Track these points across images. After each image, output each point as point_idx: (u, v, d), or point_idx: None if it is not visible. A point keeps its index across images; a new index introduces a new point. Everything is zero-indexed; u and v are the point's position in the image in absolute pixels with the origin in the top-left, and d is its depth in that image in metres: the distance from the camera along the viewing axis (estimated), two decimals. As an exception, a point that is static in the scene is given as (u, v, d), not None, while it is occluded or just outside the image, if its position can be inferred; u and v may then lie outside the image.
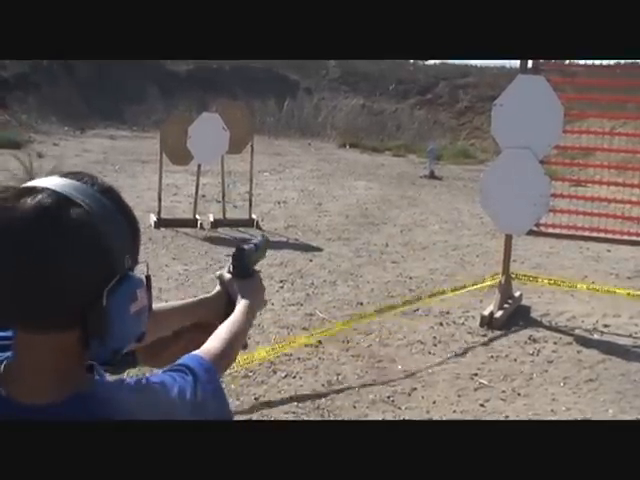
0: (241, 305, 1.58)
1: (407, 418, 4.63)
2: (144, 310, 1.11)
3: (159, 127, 11.51)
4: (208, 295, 1.65)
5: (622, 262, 8.91)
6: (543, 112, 6.27)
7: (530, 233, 7.05)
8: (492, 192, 6.59)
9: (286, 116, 23.70)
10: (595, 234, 7.18)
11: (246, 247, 1.68)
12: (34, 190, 1.03)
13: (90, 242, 1.02)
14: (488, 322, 6.36)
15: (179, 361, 1.27)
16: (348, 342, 5.87)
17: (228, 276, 1.66)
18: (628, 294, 6.82)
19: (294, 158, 18.14)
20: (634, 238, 7.15)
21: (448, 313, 6.67)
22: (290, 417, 4.58)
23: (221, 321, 1.54)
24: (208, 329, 1.55)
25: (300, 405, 4.76)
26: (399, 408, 4.78)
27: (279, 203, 12.08)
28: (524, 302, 7.05)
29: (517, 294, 6.99)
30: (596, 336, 6.36)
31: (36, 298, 1.00)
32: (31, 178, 1.09)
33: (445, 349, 5.88)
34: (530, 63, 6.64)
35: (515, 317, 6.65)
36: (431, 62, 27.40)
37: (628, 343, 6.20)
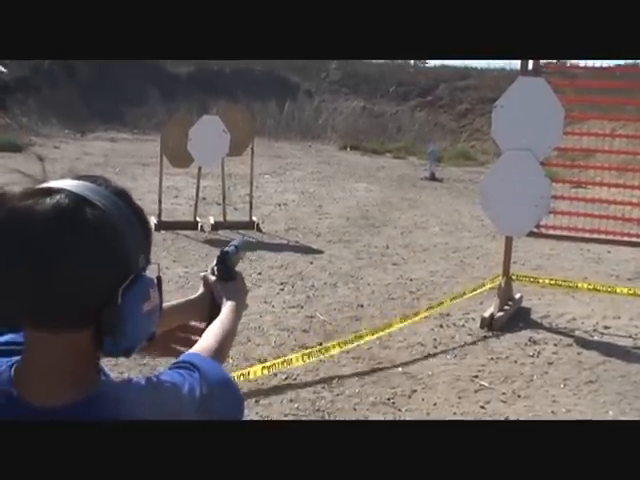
0: (228, 306, 1.61)
1: (407, 420, 4.62)
2: (156, 309, 1.13)
3: (160, 130, 11.53)
4: (193, 297, 1.67)
5: (622, 263, 8.91)
6: (543, 114, 6.28)
7: (530, 235, 7.06)
8: (492, 194, 6.59)
9: (287, 118, 23.71)
10: (595, 235, 7.18)
11: (229, 250, 1.70)
12: (51, 191, 1.04)
13: (107, 241, 1.04)
14: (488, 324, 6.37)
15: (182, 358, 1.28)
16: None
17: (212, 278, 1.67)
18: (629, 291, 6.81)
19: (295, 160, 18.15)
20: (634, 239, 7.16)
21: (448, 315, 6.67)
22: (290, 419, 4.58)
23: (205, 322, 1.58)
24: (191, 330, 1.59)
25: (300, 407, 4.76)
26: (399, 410, 4.78)
27: (279, 205, 12.09)
28: (524, 304, 7.05)
29: (517, 296, 7.00)
30: (596, 337, 6.36)
31: (54, 297, 1.01)
32: (43, 181, 1.10)
33: (445, 351, 5.88)
34: (530, 65, 6.65)
35: (515, 319, 6.65)
36: (431, 64, 27.43)
37: (628, 344, 6.20)
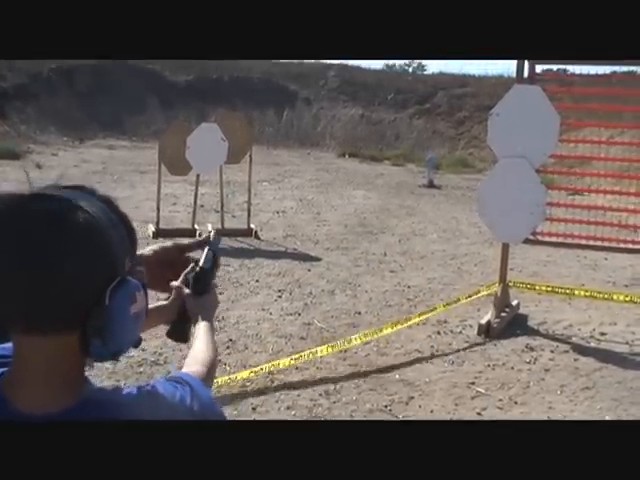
0: (203, 328, 1.65)
1: (404, 427, 4.64)
2: (142, 313, 1.15)
3: (158, 137, 11.55)
4: (164, 303, 1.69)
5: (619, 270, 8.93)
6: (539, 121, 6.31)
7: (527, 242, 7.07)
8: (489, 201, 6.62)
9: (285, 126, 23.76)
10: (592, 242, 7.20)
11: (206, 267, 1.70)
12: (42, 196, 1.08)
13: (96, 244, 1.07)
14: (485, 330, 6.38)
15: (174, 374, 1.30)
16: (345, 351, 5.88)
17: (186, 291, 1.68)
18: (626, 298, 6.83)
19: (293, 168, 18.18)
20: (631, 246, 7.18)
21: (445, 322, 6.69)
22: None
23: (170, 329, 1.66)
24: None
25: (297, 414, 4.77)
26: (396, 417, 4.79)
27: (278, 213, 12.11)
28: (521, 310, 7.07)
29: (514, 303, 7.01)
30: (593, 344, 6.37)
31: (47, 298, 1.04)
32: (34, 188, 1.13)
33: (442, 358, 5.89)
34: (526, 72, 6.68)
35: (512, 325, 6.67)
36: (429, 71, 27.55)
37: (624, 351, 6.22)
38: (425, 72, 31.02)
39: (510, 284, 7.00)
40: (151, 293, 1.21)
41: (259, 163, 13.60)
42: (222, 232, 9.99)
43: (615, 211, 7.86)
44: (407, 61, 33.80)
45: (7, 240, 1.04)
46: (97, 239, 1.07)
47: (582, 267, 9.12)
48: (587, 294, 7.06)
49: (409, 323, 6.29)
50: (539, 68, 6.93)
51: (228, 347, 5.88)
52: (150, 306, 1.62)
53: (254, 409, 4.82)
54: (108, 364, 5.10)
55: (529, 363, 5.85)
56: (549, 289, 7.22)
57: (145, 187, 12.98)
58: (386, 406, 4.96)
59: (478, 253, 9.61)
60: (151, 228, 9.67)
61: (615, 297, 6.93)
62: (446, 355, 5.95)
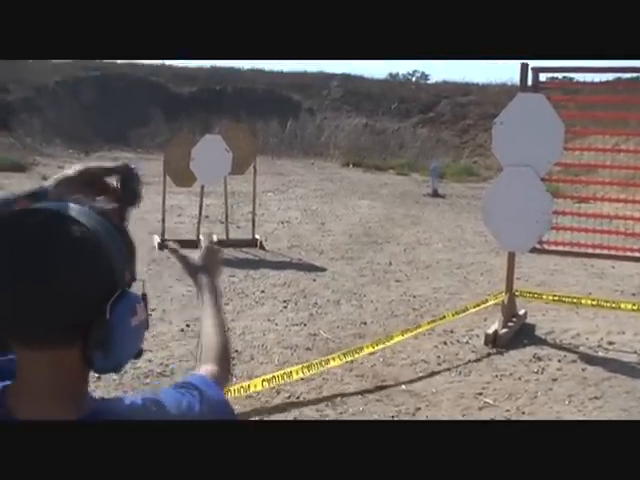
0: (208, 302, 1.62)
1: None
2: (143, 325, 1.14)
3: (163, 149, 11.58)
4: None
5: (627, 279, 8.89)
6: (543, 130, 6.29)
7: (534, 250, 7.04)
8: (494, 210, 6.59)
9: (289, 136, 23.79)
10: (599, 251, 7.16)
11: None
12: (37, 210, 1.07)
13: (94, 257, 1.06)
14: (492, 340, 6.34)
15: (183, 380, 1.29)
16: (352, 362, 5.85)
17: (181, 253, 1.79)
18: (633, 307, 6.78)
19: (297, 178, 18.19)
20: (638, 255, 7.13)
21: (452, 332, 6.65)
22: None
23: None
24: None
25: (304, 426, 4.74)
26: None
27: (282, 223, 12.10)
28: (528, 320, 7.03)
29: (521, 312, 6.98)
30: (601, 353, 6.33)
31: (43, 313, 1.02)
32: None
33: (449, 368, 5.85)
34: (530, 81, 6.67)
35: (519, 335, 6.63)
36: (433, 80, 27.56)
37: (633, 360, 6.17)
38: (428, 81, 31.06)
39: (517, 293, 6.96)
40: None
41: (263, 173, 13.58)
42: (227, 243, 9.99)
43: (622, 219, 7.82)
44: (410, 70, 33.88)
45: (1, 254, 1.03)
46: (94, 251, 1.06)
47: (589, 276, 9.07)
48: (594, 303, 7.02)
49: (419, 330, 6.27)
50: (543, 76, 6.91)
51: (234, 358, 5.85)
52: None
53: (260, 420, 4.79)
54: (115, 375, 5.09)
55: (537, 373, 5.81)
56: (556, 298, 7.18)
57: (150, 198, 12.96)
58: (393, 417, 4.92)
59: (484, 262, 9.57)
60: (156, 239, 9.67)
61: (623, 306, 6.89)
62: (453, 365, 5.91)
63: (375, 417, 4.90)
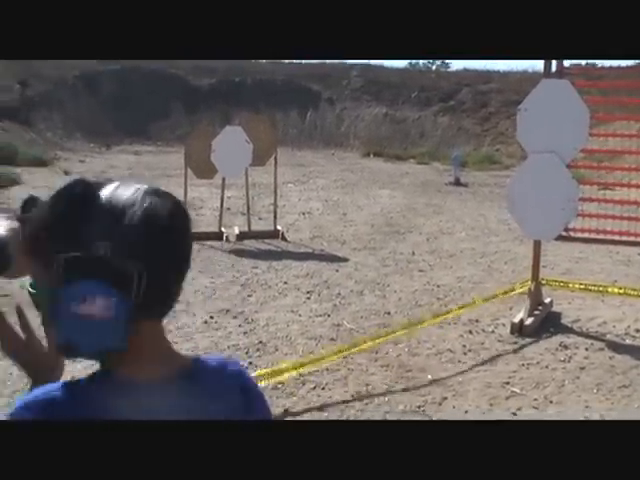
0: None
1: (438, 428, 4.57)
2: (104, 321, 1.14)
3: (183, 142, 11.59)
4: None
5: (653, 265, 8.78)
6: (568, 116, 6.20)
7: (559, 238, 6.96)
8: (519, 198, 6.52)
9: (309, 127, 23.75)
10: (625, 238, 7.07)
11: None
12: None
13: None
14: (518, 329, 6.28)
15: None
16: (377, 352, 5.82)
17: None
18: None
19: (318, 169, 18.16)
20: (665, 241, 7.04)
21: (477, 321, 6.60)
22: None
23: None
24: None
25: (329, 416, 4.72)
26: (430, 418, 4.72)
27: (304, 214, 12.08)
28: (554, 308, 6.96)
29: (547, 300, 6.91)
30: (628, 341, 6.25)
31: (180, 288, 1.19)
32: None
33: (475, 357, 5.81)
34: (554, 67, 6.58)
35: (546, 324, 6.56)
36: (453, 68, 27.37)
37: (662, 348, 6.09)
38: (449, 69, 30.83)
39: (543, 282, 6.89)
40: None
41: (284, 165, 13.58)
42: (249, 235, 9.99)
43: (648, 205, 7.72)
44: (430, 59, 33.58)
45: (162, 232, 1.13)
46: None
47: (614, 263, 8.97)
48: (621, 291, 6.94)
49: (449, 316, 6.23)
50: (567, 62, 6.82)
51: (258, 349, 5.85)
52: None
53: (286, 411, 4.78)
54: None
55: (564, 361, 5.74)
56: (582, 286, 7.10)
57: (172, 191, 12.85)
58: (419, 407, 4.89)
59: (508, 251, 9.49)
60: (178, 232, 9.67)
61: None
62: (479, 355, 5.86)
63: (401, 407, 4.87)
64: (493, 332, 6.38)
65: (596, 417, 4.76)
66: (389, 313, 6.88)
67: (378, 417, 4.72)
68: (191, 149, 10.14)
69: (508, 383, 5.32)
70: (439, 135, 22.51)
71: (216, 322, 6.44)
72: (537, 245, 6.78)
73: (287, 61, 27.52)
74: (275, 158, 10.21)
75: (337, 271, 8.46)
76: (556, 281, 7.15)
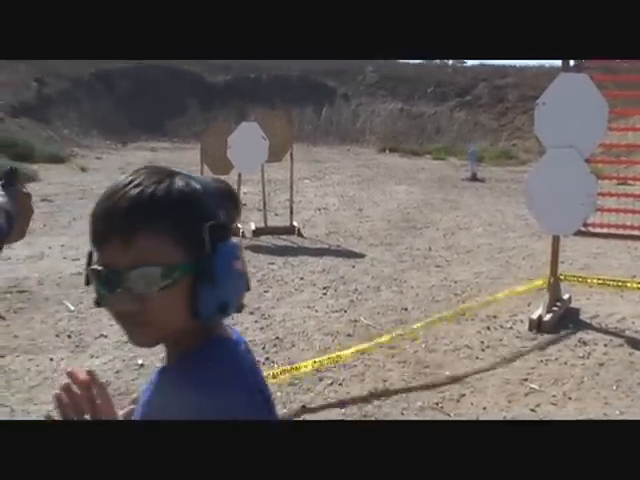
0: None
1: (456, 425, 4.54)
2: (244, 273, 1.21)
3: (199, 138, 11.61)
4: None
5: (673, 261, 8.68)
6: (587, 110, 6.14)
7: (577, 233, 6.91)
8: (537, 193, 6.47)
9: (324, 123, 23.72)
10: (644, 233, 7.01)
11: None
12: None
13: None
14: (537, 325, 6.24)
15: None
16: (394, 348, 5.80)
17: None
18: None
19: (333, 164, 18.12)
20: (685, 236, 6.97)
21: (495, 317, 6.56)
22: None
23: None
24: None
25: (347, 412, 4.71)
26: (448, 415, 4.70)
27: (320, 210, 12.07)
28: (573, 304, 6.90)
29: (566, 296, 6.85)
30: (648, 337, 6.19)
31: None
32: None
33: (493, 354, 5.77)
34: (572, 61, 6.52)
35: (564, 320, 6.51)
36: (469, 63, 27.22)
37: (682, 344, 6.03)
38: (465, 64, 30.68)
39: (561, 277, 6.84)
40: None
41: (299, 161, 13.57)
42: (265, 230, 9.99)
43: (668, 200, 7.64)
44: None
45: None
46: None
47: (633, 259, 8.88)
48: (639, 286, 6.88)
49: (470, 309, 6.20)
50: (586, 55, 6.74)
51: (275, 345, 5.84)
52: None
53: (304, 407, 4.78)
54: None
55: (583, 358, 5.70)
56: (600, 282, 7.04)
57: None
58: (437, 403, 4.86)
59: (526, 246, 9.43)
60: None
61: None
62: (497, 351, 5.82)
63: (419, 404, 4.85)
64: (511, 328, 6.34)
65: (615, 414, 4.72)
66: (406, 309, 6.86)
67: (396, 413, 4.71)
68: (207, 145, 10.15)
69: (526, 380, 5.28)
70: (455, 130, 22.41)
71: (232, 318, 6.43)
72: (555, 240, 6.73)
73: (302, 57, 27.51)
74: (291, 154, 10.20)
75: (353, 267, 8.44)
76: (574, 276, 7.09)
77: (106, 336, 6.05)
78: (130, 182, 1.12)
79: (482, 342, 6.00)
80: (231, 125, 10.83)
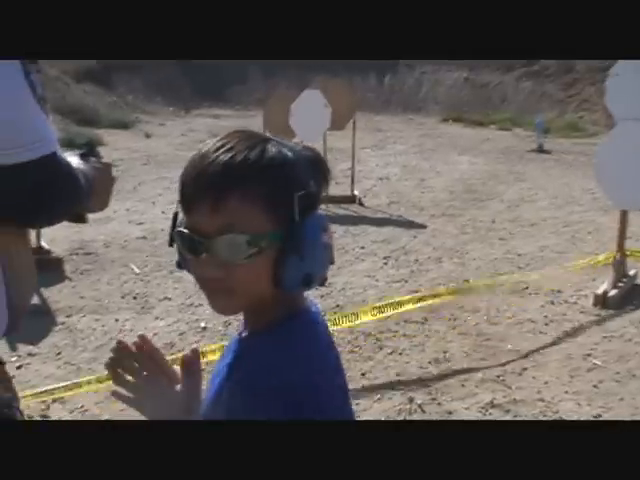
0: None
1: (518, 398, 4.51)
2: (330, 246, 1.19)
3: (261, 105, 11.63)
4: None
5: None
6: (663, 80, 5.94)
7: (646, 208, 6.72)
8: (607, 166, 6.31)
9: (387, 91, 23.49)
10: None
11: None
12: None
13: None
14: (602, 301, 6.12)
15: None
16: (455, 320, 5.78)
17: None
18: None
19: (396, 134, 17.96)
20: None
21: (559, 292, 6.46)
22: (397, 395, 4.55)
23: None
24: None
25: (407, 379, 4.72)
26: (509, 388, 4.67)
27: (381, 179, 12.01)
28: (639, 281, 6.74)
29: (632, 272, 6.70)
30: None
31: None
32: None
33: (557, 329, 5.69)
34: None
35: (630, 296, 6.37)
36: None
37: None
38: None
39: (627, 253, 6.68)
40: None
41: (361, 129, 13.46)
42: (326, 199, 9.98)
43: None
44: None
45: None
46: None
47: None
48: None
49: (537, 278, 6.11)
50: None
51: (335, 313, 5.87)
52: None
53: (363, 374, 4.81)
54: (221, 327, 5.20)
55: (648, 335, 5.58)
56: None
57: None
58: (498, 376, 4.84)
59: (592, 221, 9.22)
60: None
61: None
62: (561, 326, 5.74)
63: (480, 376, 4.83)
64: (575, 303, 6.23)
65: (682, 393, 4.62)
66: (468, 281, 6.80)
67: (456, 385, 4.70)
68: (270, 113, 10.17)
69: (590, 355, 5.20)
70: (521, 100, 21.92)
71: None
72: (623, 215, 6.56)
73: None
74: (354, 122, 10.14)
75: (415, 237, 8.40)
76: (643, 252, 6.91)
77: (170, 299, 6.18)
78: (222, 146, 1.12)
79: (546, 316, 5.92)
80: (294, 93, 10.80)
